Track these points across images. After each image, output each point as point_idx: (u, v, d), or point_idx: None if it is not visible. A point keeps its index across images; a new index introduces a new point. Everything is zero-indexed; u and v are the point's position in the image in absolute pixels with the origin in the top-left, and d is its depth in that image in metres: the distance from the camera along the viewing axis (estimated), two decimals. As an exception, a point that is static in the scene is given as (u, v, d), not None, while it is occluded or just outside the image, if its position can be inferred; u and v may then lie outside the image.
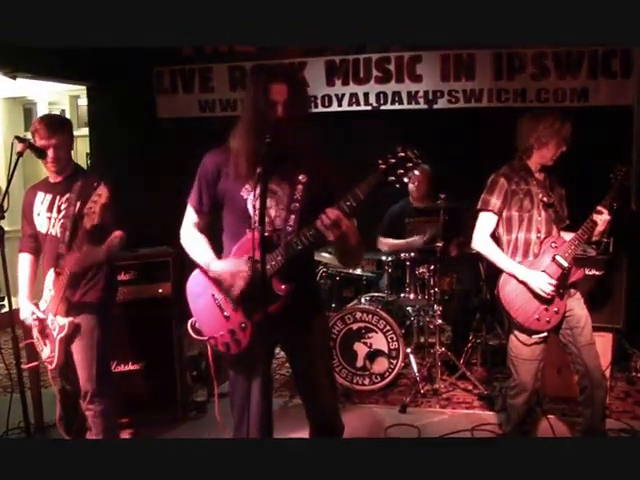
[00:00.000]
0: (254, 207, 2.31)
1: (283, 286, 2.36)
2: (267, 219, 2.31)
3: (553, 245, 3.21)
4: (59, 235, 3.15)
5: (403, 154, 2.16)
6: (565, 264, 3.16)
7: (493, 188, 3.27)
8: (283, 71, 2.36)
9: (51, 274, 3.16)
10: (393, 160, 2.16)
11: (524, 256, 3.26)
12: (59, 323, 3.10)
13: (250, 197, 2.39)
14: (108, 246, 3.10)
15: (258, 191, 2.20)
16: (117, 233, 3.15)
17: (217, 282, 2.47)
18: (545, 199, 3.23)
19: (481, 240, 3.30)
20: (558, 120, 3.19)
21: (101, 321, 3.20)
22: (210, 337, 2.51)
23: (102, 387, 3.19)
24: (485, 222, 3.31)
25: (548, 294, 3.14)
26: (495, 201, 3.25)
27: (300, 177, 2.40)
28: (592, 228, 3.18)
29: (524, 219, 3.24)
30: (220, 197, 2.51)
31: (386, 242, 5.15)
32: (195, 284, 2.57)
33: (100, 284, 3.23)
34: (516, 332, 3.26)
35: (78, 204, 3.07)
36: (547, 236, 3.24)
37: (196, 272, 2.57)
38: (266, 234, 2.27)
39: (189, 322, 2.56)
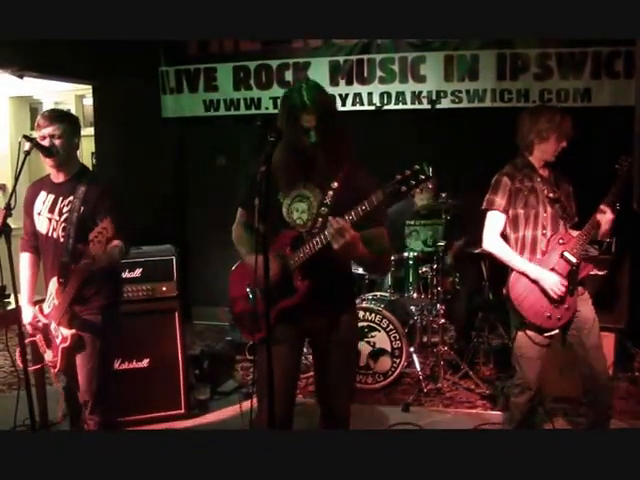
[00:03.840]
0: (289, 212, 2.60)
1: (301, 282, 2.54)
2: (300, 222, 2.60)
3: (561, 242, 3.19)
4: (62, 240, 3.08)
5: (418, 167, 2.33)
6: (574, 260, 3.15)
7: (497, 188, 3.27)
8: (312, 98, 2.48)
9: (54, 283, 3.09)
10: (408, 172, 2.32)
11: (532, 253, 3.24)
12: (62, 333, 3.05)
13: (285, 202, 2.61)
14: (108, 254, 2.97)
15: (262, 190, 2.27)
16: (115, 243, 3.02)
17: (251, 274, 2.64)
18: (551, 195, 3.22)
19: (491, 240, 3.29)
20: (558, 114, 3.20)
21: (104, 332, 3.13)
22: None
23: (102, 399, 3.13)
24: (493, 222, 3.29)
25: (559, 295, 3.14)
26: (499, 201, 3.25)
27: (332, 184, 2.57)
28: (597, 226, 3.18)
29: (530, 216, 3.23)
30: None
31: None
32: (236, 273, 2.82)
33: (104, 295, 3.14)
34: (527, 330, 3.24)
35: (82, 209, 3.04)
36: (554, 233, 3.22)
37: (239, 263, 2.83)
38: (296, 234, 2.58)
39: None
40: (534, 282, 3.19)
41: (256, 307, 2.57)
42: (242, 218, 2.81)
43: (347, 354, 2.75)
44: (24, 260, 3.31)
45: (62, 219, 3.09)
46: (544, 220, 3.23)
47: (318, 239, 2.47)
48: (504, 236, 3.31)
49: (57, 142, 3.06)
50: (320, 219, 2.56)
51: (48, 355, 3.18)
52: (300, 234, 2.58)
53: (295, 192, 2.60)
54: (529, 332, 3.24)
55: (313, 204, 2.60)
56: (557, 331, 3.23)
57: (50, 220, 3.14)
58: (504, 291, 3.29)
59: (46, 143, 3.05)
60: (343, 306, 2.72)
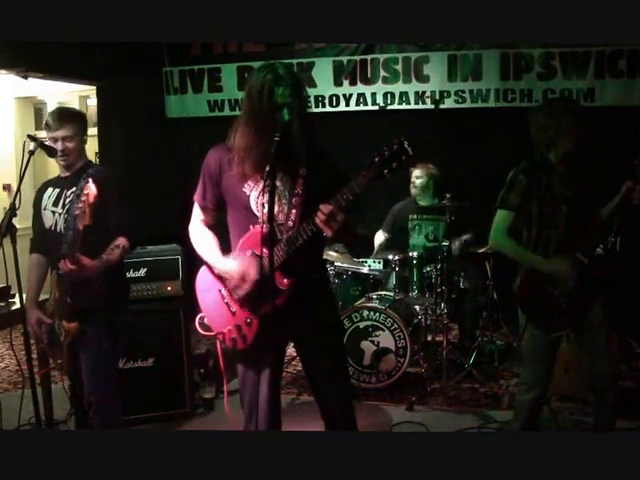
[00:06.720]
0: (259, 204, 2.37)
1: (285, 280, 2.38)
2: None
3: (572, 241, 3.15)
4: (63, 232, 3.02)
5: (397, 146, 2.17)
6: (585, 260, 3.12)
7: (512, 186, 3.20)
8: (286, 74, 2.35)
9: (54, 276, 3.06)
10: (387, 153, 2.18)
11: (544, 253, 3.19)
12: (64, 328, 2.98)
13: (253, 193, 2.44)
14: (107, 259, 2.97)
15: (266, 189, 2.22)
16: (119, 242, 3.01)
17: (224, 278, 2.52)
18: (567, 193, 3.17)
19: (499, 238, 3.23)
20: (570, 103, 3.18)
21: (108, 331, 3.09)
22: (218, 333, 2.56)
23: (107, 399, 3.11)
24: (502, 220, 3.22)
25: (571, 285, 3.11)
26: (514, 199, 3.18)
27: (300, 171, 2.43)
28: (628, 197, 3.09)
29: (544, 215, 3.17)
30: (223, 193, 2.55)
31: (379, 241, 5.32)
32: (203, 280, 2.63)
33: (105, 291, 3.08)
34: (533, 329, 3.23)
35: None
36: (566, 232, 3.17)
37: (204, 268, 2.63)
38: (268, 230, 2.30)
39: (197, 318, 2.61)
40: (543, 280, 3.16)
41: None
42: (201, 216, 2.65)
43: (336, 351, 2.65)
44: (32, 262, 3.28)
45: (64, 211, 3.06)
46: (558, 219, 3.18)
47: (299, 233, 2.34)
48: (516, 234, 3.27)
49: (70, 145, 3.06)
50: (294, 210, 2.42)
51: (56, 358, 3.14)
52: (272, 229, 2.33)
53: (263, 182, 2.29)
54: (536, 331, 3.23)
55: (284, 194, 2.44)
56: (564, 331, 3.22)
57: (54, 213, 3.12)
58: (514, 289, 3.24)
59: (59, 146, 3.04)
60: (325, 301, 2.63)
